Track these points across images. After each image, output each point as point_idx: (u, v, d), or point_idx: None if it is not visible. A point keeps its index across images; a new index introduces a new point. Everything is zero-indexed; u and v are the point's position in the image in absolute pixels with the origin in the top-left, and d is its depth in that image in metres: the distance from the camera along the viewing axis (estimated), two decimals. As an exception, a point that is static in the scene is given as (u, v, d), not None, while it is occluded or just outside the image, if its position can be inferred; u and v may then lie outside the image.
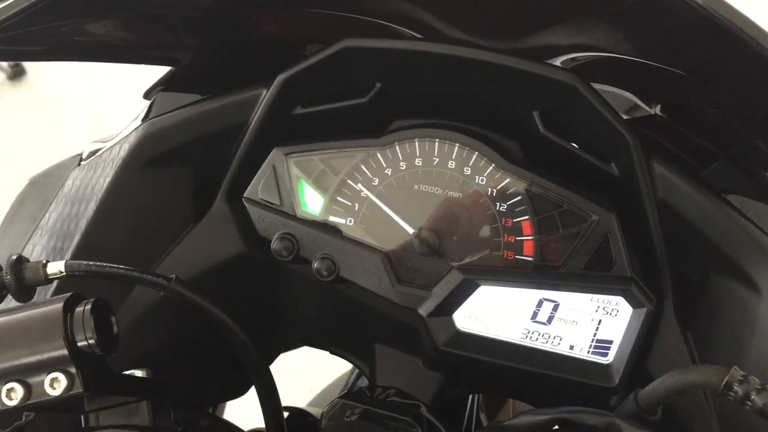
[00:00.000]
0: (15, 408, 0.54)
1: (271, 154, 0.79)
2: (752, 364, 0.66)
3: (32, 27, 0.66)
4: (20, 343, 0.55)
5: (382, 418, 0.74)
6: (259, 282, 0.83)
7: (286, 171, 0.78)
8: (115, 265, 0.64)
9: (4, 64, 3.64)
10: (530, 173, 0.75)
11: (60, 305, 0.56)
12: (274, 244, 0.77)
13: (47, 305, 0.56)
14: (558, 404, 0.62)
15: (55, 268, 0.62)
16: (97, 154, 0.85)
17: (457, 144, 0.76)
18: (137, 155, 0.77)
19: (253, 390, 0.75)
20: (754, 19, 0.54)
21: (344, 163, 0.78)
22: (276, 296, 0.85)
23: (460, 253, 0.76)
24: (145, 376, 0.65)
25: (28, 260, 0.62)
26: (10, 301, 0.63)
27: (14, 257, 0.62)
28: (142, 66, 0.83)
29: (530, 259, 0.75)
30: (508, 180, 0.75)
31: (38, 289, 0.64)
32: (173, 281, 0.65)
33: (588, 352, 0.74)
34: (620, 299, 0.73)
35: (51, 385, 0.54)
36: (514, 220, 0.75)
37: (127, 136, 0.80)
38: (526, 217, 0.75)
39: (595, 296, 0.73)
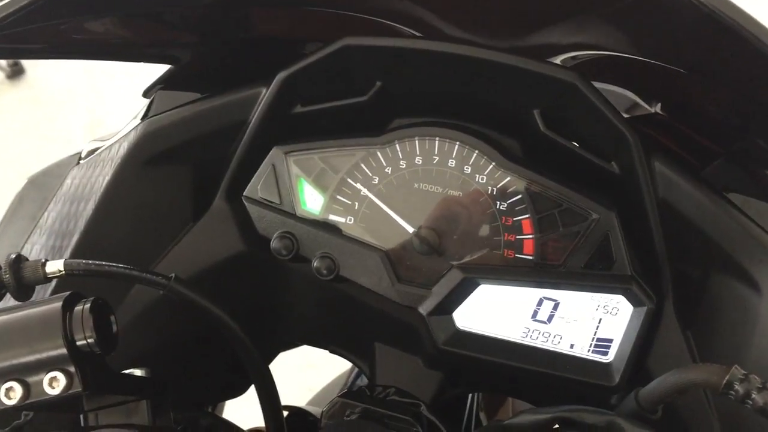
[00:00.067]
0: (14, 407, 0.54)
1: (270, 152, 0.78)
2: (753, 362, 0.66)
3: (31, 25, 0.66)
4: (19, 342, 0.54)
5: (382, 417, 0.74)
6: (258, 281, 0.83)
7: (285, 170, 0.78)
8: (114, 264, 0.64)
9: (3, 62, 3.63)
10: (530, 172, 0.75)
11: (59, 304, 0.55)
12: (274, 243, 0.77)
13: (46, 304, 0.56)
14: (558, 403, 0.62)
15: (54, 267, 0.62)
16: (96, 152, 0.84)
17: (458, 142, 0.76)
18: (136, 154, 0.77)
19: (252, 389, 0.75)
20: (754, 15, 0.54)
21: (344, 161, 0.78)
22: (275, 295, 0.85)
23: (460, 252, 0.76)
24: (144, 375, 0.65)
25: (27, 259, 0.62)
26: (9, 300, 0.63)
27: (13, 256, 0.61)
28: (142, 64, 0.83)
29: (530, 257, 0.75)
30: (508, 178, 0.75)
31: (37, 288, 0.63)
32: (172, 280, 0.65)
33: (588, 350, 0.74)
34: (620, 298, 0.73)
35: (50, 385, 0.54)
36: (515, 219, 0.75)
37: (126, 134, 0.80)
38: (527, 215, 0.75)
39: (596, 295, 0.73)
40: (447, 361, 0.80)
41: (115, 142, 0.81)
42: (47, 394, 0.54)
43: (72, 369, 0.54)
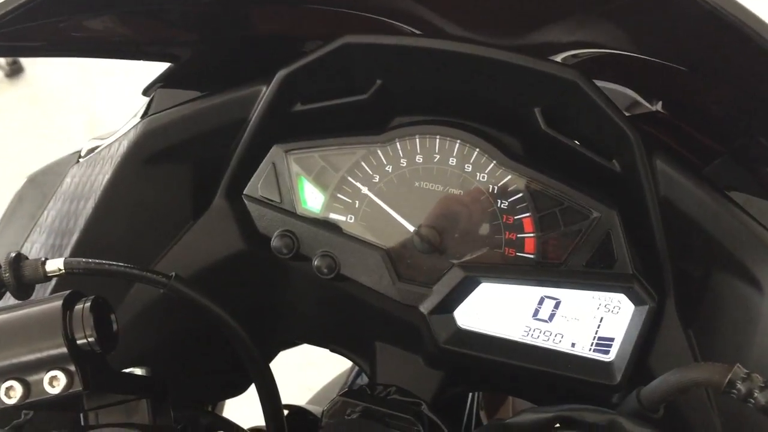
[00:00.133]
0: (14, 406, 0.54)
1: (271, 151, 0.78)
2: (755, 361, 0.66)
3: (31, 23, 0.65)
4: (19, 341, 0.54)
5: (383, 416, 0.74)
6: (258, 279, 0.83)
7: (286, 168, 0.78)
8: (114, 263, 0.64)
9: (2, 61, 3.64)
10: (531, 170, 0.74)
11: (59, 303, 0.55)
12: (274, 242, 0.77)
13: (46, 303, 0.56)
14: (559, 402, 0.62)
15: (54, 265, 0.61)
16: (96, 151, 0.84)
17: (458, 141, 0.76)
18: (136, 152, 0.77)
19: (252, 388, 0.75)
20: (755, 12, 0.54)
21: (345, 160, 0.78)
22: (276, 294, 0.85)
23: (461, 251, 0.76)
24: (144, 374, 0.65)
25: (27, 258, 0.62)
26: (8, 299, 0.63)
27: (13, 254, 0.61)
28: (141, 63, 0.83)
29: (531, 256, 0.75)
30: (509, 177, 0.75)
31: (37, 286, 0.63)
32: (173, 279, 0.65)
33: (590, 349, 0.74)
34: (622, 296, 0.73)
35: (50, 384, 0.54)
36: (516, 217, 0.75)
37: (126, 133, 0.80)
38: (528, 214, 0.75)
39: (597, 293, 0.73)
40: (448, 360, 0.79)
41: (115, 140, 0.81)
42: (47, 393, 0.54)
43: (72, 368, 0.54)
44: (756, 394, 0.51)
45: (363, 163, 0.77)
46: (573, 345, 0.74)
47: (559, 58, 0.73)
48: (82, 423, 0.60)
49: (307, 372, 1.88)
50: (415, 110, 0.78)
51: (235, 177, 0.80)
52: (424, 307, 0.75)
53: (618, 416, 0.58)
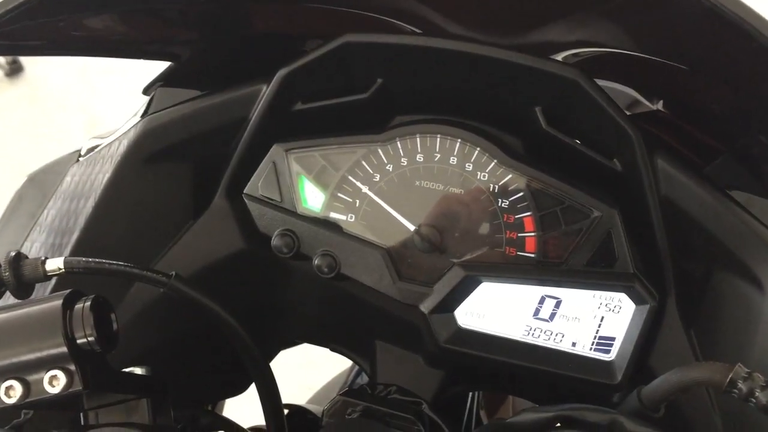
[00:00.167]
0: (13, 406, 0.54)
1: (271, 150, 0.78)
2: (756, 360, 0.66)
3: (30, 22, 0.65)
4: (19, 340, 0.54)
5: (383, 415, 0.74)
6: (259, 279, 0.83)
7: (286, 167, 0.78)
8: (114, 262, 0.63)
9: (2, 60, 3.63)
10: (532, 169, 0.74)
11: (59, 302, 0.55)
12: (275, 241, 0.77)
13: (46, 302, 0.56)
14: (560, 401, 0.62)
15: (54, 264, 0.61)
16: (96, 150, 0.84)
17: (459, 140, 0.75)
18: (136, 151, 0.77)
19: (253, 387, 0.75)
20: (756, 9, 0.54)
21: (345, 159, 0.77)
22: (276, 293, 0.85)
23: (462, 250, 0.76)
24: (144, 373, 0.65)
25: (27, 257, 0.62)
26: (8, 298, 0.63)
27: (13, 254, 0.61)
28: (141, 62, 0.83)
29: (532, 255, 0.75)
30: (509, 176, 0.75)
31: (37, 286, 0.63)
32: (173, 278, 0.65)
33: (590, 349, 0.74)
34: (623, 296, 0.73)
35: (50, 383, 0.53)
36: (516, 217, 0.75)
37: (126, 132, 0.80)
38: (528, 213, 0.75)
39: (598, 293, 0.73)
40: (448, 360, 0.79)
41: (115, 139, 0.81)
42: (47, 392, 0.53)
43: (72, 367, 0.54)
44: (757, 394, 0.51)
45: (363, 162, 0.77)
46: (574, 344, 0.74)
47: (560, 57, 0.73)
48: (82, 422, 0.59)
49: (307, 371, 1.88)
50: (416, 109, 0.78)
51: (235, 176, 0.79)
52: (425, 307, 0.75)
53: (619, 416, 0.58)
